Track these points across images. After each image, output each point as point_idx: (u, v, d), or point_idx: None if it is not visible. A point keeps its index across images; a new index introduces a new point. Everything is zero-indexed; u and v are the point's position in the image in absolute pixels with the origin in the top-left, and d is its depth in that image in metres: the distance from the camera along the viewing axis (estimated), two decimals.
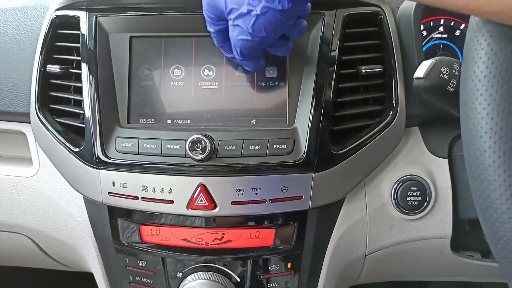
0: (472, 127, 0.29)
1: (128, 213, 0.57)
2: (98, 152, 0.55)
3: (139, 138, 0.54)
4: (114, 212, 0.58)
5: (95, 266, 0.63)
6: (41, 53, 0.60)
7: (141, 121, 0.57)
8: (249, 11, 0.44)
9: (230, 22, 0.47)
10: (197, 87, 0.56)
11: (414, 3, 0.56)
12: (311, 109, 0.53)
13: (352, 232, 0.59)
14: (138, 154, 0.54)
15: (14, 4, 0.66)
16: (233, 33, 0.47)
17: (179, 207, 0.54)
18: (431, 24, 0.64)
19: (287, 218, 0.56)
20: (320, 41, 0.54)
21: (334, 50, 0.54)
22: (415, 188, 0.57)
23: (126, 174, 0.55)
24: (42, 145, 0.62)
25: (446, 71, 0.41)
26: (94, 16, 0.57)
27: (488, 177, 0.28)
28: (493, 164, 0.28)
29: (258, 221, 0.55)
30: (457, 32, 0.62)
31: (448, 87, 0.41)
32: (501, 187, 0.28)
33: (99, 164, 0.55)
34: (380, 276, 0.70)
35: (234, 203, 0.53)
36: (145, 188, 0.54)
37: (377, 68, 0.56)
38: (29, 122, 0.61)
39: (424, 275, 0.73)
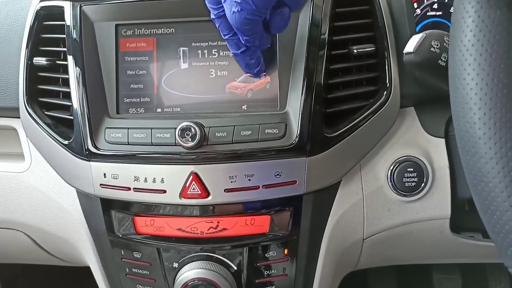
0: (461, 99, 0.28)
1: (121, 205, 0.57)
2: (88, 143, 0.54)
3: (128, 128, 0.53)
4: (107, 204, 0.57)
5: (91, 259, 0.63)
6: (27, 46, 0.59)
7: (131, 110, 0.56)
8: None
9: (222, 1, 0.45)
10: (186, 74, 0.55)
11: None
12: (302, 92, 0.52)
13: (349, 216, 0.58)
14: (128, 144, 0.53)
15: None
16: (227, 10, 0.45)
17: (172, 197, 0.53)
18: (425, 1, 0.63)
19: (282, 203, 0.55)
20: (309, 22, 0.53)
21: (324, 31, 0.53)
22: (411, 169, 0.56)
23: (117, 165, 0.54)
24: (33, 139, 0.61)
25: (437, 45, 0.39)
26: (78, 6, 0.56)
27: (479, 150, 0.27)
28: (484, 136, 0.27)
29: (253, 208, 0.55)
30: (452, 9, 0.61)
31: (439, 61, 0.39)
32: (492, 160, 0.27)
33: (89, 155, 0.54)
34: (380, 260, 0.70)
35: (227, 190, 0.52)
36: (136, 179, 0.54)
37: (369, 48, 0.54)
38: (19, 117, 0.60)
39: (425, 258, 0.72)
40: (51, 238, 0.65)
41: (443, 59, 0.40)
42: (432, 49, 0.39)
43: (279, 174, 0.52)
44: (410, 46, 0.39)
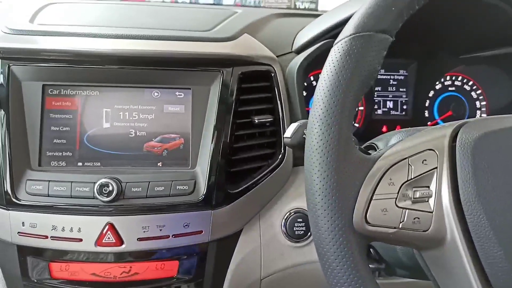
0: (309, 185, 0.39)
1: (37, 251, 0.60)
2: (8, 194, 0.57)
3: (49, 181, 0.58)
4: (24, 251, 0.60)
5: None
6: None
7: (52, 163, 0.61)
8: None
9: None
10: (108, 132, 0.62)
11: (299, 62, 0.67)
12: (210, 154, 0.61)
13: (248, 259, 0.67)
14: (48, 196, 0.58)
15: None
16: None
17: (88, 245, 0.58)
18: (318, 76, 0.76)
19: (189, 250, 0.62)
20: (218, 95, 0.63)
21: (231, 103, 0.63)
22: (301, 219, 0.67)
23: (36, 214, 0.58)
24: None
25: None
26: (7, 65, 0.60)
27: (320, 225, 0.38)
28: (321, 215, 0.38)
29: (163, 254, 0.61)
30: None
31: None
32: (326, 233, 0.38)
33: (8, 205, 0.58)
34: None
35: (140, 239, 0.59)
36: (54, 228, 0.58)
37: (268, 118, 0.65)
38: None
39: None
40: None
41: None
42: (304, 136, 0.50)
43: (187, 225, 0.60)
44: (288, 132, 0.50)
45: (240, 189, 0.63)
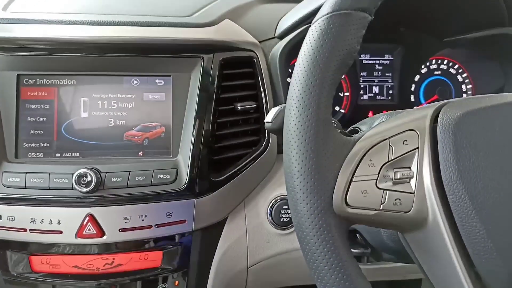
0: (288, 168, 0.38)
1: (16, 245, 0.59)
2: None
3: (26, 173, 0.57)
4: (2, 245, 0.59)
5: None
6: None
7: (30, 155, 0.59)
8: None
9: None
10: (86, 122, 0.60)
11: (281, 47, 0.66)
12: (192, 142, 0.60)
13: (234, 248, 0.66)
14: (25, 188, 0.56)
15: None
16: None
17: (68, 237, 0.57)
18: None
19: (173, 240, 0.61)
20: (199, 82, 0.61)
21: (213, 90, 0.62)
22: (286, 207, 0.66)
23: (13, 207, 0.57)
24: None
25: None
26: None
27: (299, 209, 0.37)
28: (300, 198, 0.37)
29: (146, 244, 0.60)
30: None
31: None
32: (305, 216, 0.37)
33: None
34: (265, 284, 0.79)
35: (122, 230, 0.58)
36: (33, 220, 0.57)
37: (251, 105, 0.64)
38: None
39: (305, 280, 0.82)
40: None
41: None
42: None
43: (170, 214, 0.59)
44: (269, 116, 0.49)
45: (223, 177, 0.62)
